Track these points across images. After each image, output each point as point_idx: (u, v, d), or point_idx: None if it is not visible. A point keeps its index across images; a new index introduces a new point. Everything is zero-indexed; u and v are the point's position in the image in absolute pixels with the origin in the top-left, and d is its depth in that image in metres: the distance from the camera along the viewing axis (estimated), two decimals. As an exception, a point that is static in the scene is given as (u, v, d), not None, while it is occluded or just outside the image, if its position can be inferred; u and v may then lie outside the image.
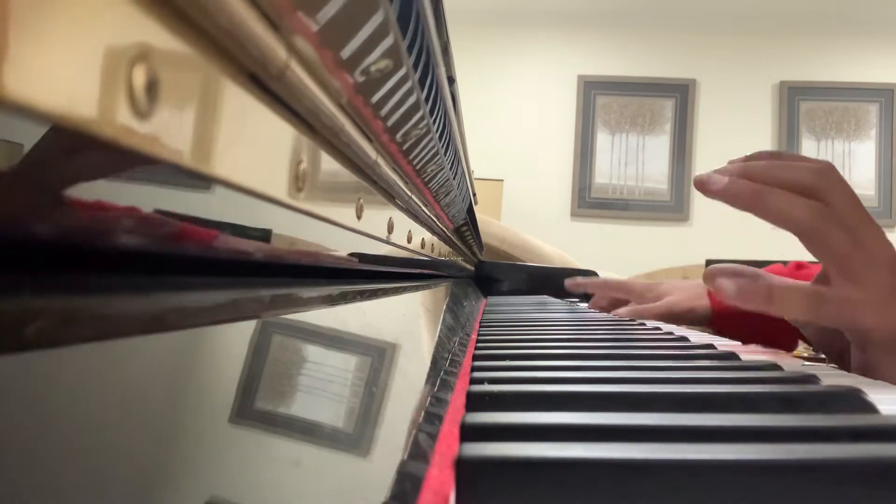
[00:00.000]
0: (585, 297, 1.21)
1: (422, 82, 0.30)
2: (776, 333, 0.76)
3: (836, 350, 0.49)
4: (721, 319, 0.81)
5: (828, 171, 0.44)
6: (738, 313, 0.79)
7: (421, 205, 0.47)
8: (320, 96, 0.18)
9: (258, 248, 0.19)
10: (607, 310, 0.94)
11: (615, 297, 0.94)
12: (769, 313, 0.43)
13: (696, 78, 3.45)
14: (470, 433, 0.20)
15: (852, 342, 0.45)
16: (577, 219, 3.47)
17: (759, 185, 0.44)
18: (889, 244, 0.44)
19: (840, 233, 0.42)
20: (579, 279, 1.01)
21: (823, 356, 0.57)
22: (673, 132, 3.45)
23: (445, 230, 0.71)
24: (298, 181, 0.18)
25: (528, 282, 1.39)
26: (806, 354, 0.93)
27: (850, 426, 0.20)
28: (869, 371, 0.44)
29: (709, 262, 2.72)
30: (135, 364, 0.12)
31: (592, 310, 0.91)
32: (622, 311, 0.84)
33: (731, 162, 0.48)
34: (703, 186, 0.45)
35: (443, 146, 0.44)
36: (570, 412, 0.22)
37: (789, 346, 0.78)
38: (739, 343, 0.50)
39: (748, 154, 0.48)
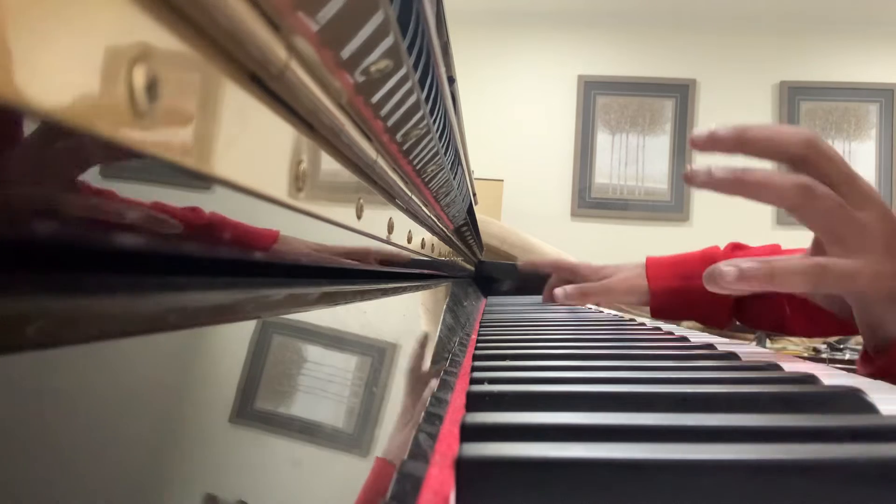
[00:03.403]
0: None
1: (422, 82, 0.30)
2: (711, 310, 0.78)
3: (847, 310, 0.49)
4: (658, 298, 0.83)
5: (811, 141, 0.44)
6: (674, 291, 0.81)
7: (421, 205, 0.47)
8: (320, 96, 0.18)
9: (258, 248, 0.18)
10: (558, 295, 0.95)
11: (565, 278, 0.95)
12: (772, 290, 0.43)
13: (696, 78, 3.45)
14: (470, 433, 0.20)
15: (853, 305, 0.45)
16: (577, 219, 3.47)
17: (741, 169, 0.44)
18: (880, 204, 0.44)
19: (828, 202, 0.42)
20: (532, 260, 1.03)
21: (824, 356, 0.58)
22: (673, 132, 3.45)
23: (445, 230, 0.71)
24: (298, 181, 0.18)
25: (528, 282, 1.39)
26: (806, 354, 0.93)
27: (850, 426, 0.20)
28: (874, 328, 0.44)
29: (709, 262, 2.72)
30: (135, 364, 0.12)
31: (592, 310, 0.91)
32: (569, 288, 0.85)
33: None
34: (690, 180, 0.46)
35: (443, 146, 0.44)
36: (570, 412, 0.22)
37: (724, 323, 0.80)
38: (739, 343, 0.50)
39: (734, 126, 0.48)
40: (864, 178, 0.45)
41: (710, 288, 0.43)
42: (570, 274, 0.94)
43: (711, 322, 0.79)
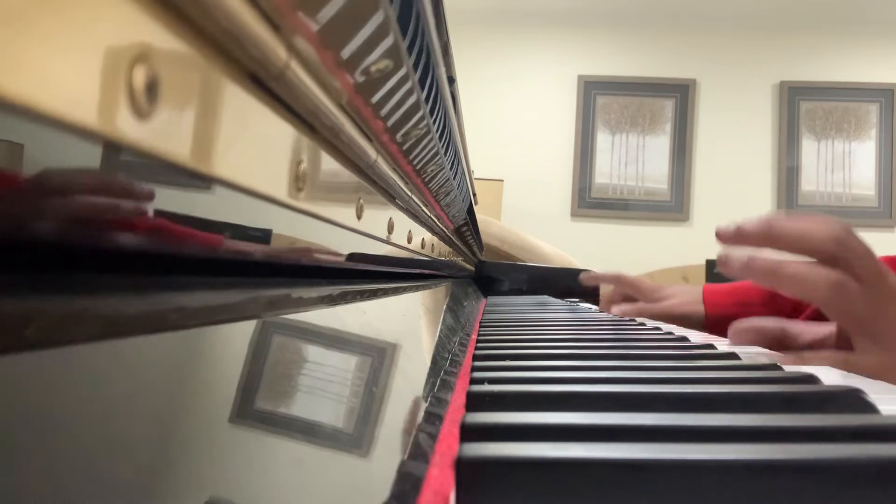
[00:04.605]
0: (586, 298, 1.21)
1: (422, 82, 0.30)
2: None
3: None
4: (713, 325, 0.83)
5: (844, 236, 0.45)
6: (731, 318, 0.81)
7: (421, 205, 0.47)
8: (320, 96, 0.18)
9: (258, 248, 0.19)
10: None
11: (625, 292, 0.95)
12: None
13: (696, 78, 3.45)
14: (470, 433, 0.20)
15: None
16: (577, 219, 3.47)
17: (777, 262, 0.45)
18: None
19: (860, 300, 0.43)
20: (595, 273, 1.03)
21: None
22: (673, 132, 3.45)
23: (445, 230, 0.71)
24: (298, 181, 0.18)
25: (528, 282, 1.39)
26: (806, 354, 0.93)
27: (850, 426, 0.20)
28: None
29: (709, 262, 2.71)
30: (135, 364, 0.12)
31: (592, 310, 0.91)
32: (625, 307, 0.85)
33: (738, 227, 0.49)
34: (725, 267, 0.47)
35: (443, 146, 0.44)
36: (570, 412, 0.22)
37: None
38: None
39: (761, 219, 0.49)
40: (892, 273, 0.45)
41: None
42: (630, 289, 0.94)
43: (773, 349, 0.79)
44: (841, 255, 0.44)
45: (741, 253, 0.46)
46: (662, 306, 0.87)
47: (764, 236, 0.46)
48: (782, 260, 0.45)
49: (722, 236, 0.47)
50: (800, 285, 0.44)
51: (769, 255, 0.46)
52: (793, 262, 0.44)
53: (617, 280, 0.97)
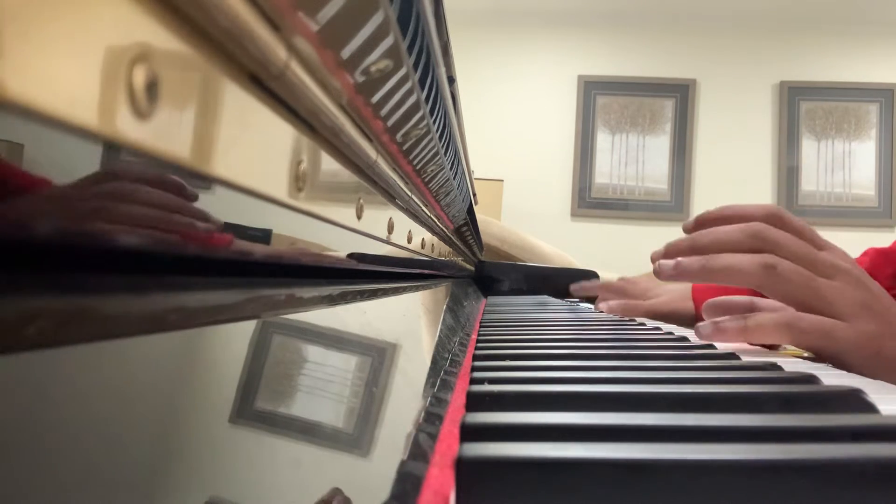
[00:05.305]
0: (586, 298, 1.21)
1: (422, 82, 0.30)
2: None
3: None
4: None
5: (771, 217, 0.46)
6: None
7: (421, 205, 0.47)
8: (320, 96, 0.18)
9: (258, 248, 0.19)
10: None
11: (615, 298, 0.97)
12: (751, 342, 0.45)
13: (696, 78, 3.45)
14: (470, 433, 0.20)
15: (828, 362, 0.45)
16: (577, 219, 3.47)
17: (704, 257, 0.47)
18: (850, 271, 0.45)
19: (793, 278, 0.44)
20: (584, 283, 1.05)
21: None
22: (673, 132, 3.44)
23: (445, 230, 0.71)
24: (298, 181, 0.18)
25: (528, 282, 1.39)
26: (806, 354, 0.93)
27: (850, 426, 0.20)
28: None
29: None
30: (135, 364, 0.12)
31: (592, 310, 0.91)
32: (612, 303, 0.86)
33: (684, 225, 0.53)
34: (659, 274, 0.49)
35: (443, 146, 0.44)
36: (570, 412, 0.22)
37: (773, 345, 0.81)
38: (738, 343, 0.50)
39: (697, 215, 0.52)
40: (831, 247, 0.47)
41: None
42: (617, 295, 0.96)
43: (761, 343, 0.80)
44: (760, 248, 0.45)
45: (669, 261, 0.49)
46: (650, 303, 0.88)
47: (690, 251, 0.48)
48: (709, 256, 0.46)
49: (663, 273, 0.49)
50: (730, 273, 0.45)
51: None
52: (720, 254, 0.46)
53: (604, 289, 0.99)
